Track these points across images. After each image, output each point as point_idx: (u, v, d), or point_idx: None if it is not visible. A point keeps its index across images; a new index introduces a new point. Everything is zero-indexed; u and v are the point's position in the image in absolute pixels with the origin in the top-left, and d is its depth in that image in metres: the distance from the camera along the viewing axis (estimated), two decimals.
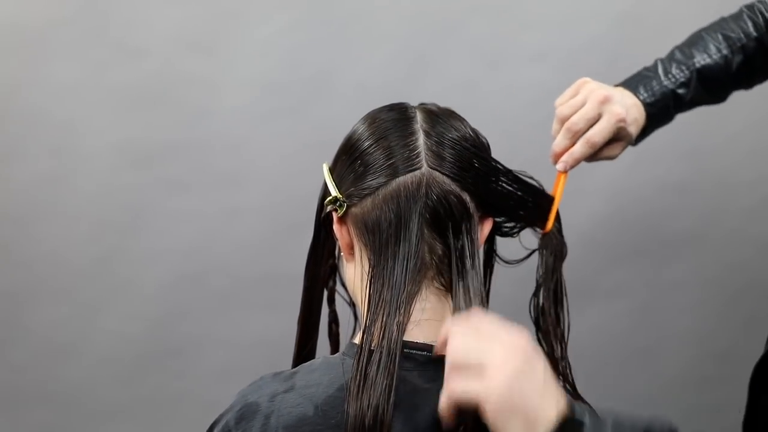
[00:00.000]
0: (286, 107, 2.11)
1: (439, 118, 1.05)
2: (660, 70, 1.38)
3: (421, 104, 1.09)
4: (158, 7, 2.04)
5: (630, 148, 2.17)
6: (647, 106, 1.33)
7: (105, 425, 2.26)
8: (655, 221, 2.23)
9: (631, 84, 1.36)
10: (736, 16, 1.45)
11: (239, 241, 2.18)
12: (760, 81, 1.45)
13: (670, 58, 1.41)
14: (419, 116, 1.04)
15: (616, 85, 1.37)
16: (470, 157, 1.02)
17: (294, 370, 1.01)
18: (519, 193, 1.09)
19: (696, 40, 1.43)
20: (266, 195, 2.17)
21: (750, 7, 1.46)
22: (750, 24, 1.42)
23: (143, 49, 2.06)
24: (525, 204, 1.10)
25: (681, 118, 2.17)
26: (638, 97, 1.33)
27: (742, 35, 1.41)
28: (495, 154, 1.09)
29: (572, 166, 1.22)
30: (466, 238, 1.00)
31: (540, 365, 0.85)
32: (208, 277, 2.20)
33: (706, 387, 2.25)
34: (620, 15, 2.12)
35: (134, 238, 2.17)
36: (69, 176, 2.12)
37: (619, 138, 1.27)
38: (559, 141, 1.22)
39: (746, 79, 1.44)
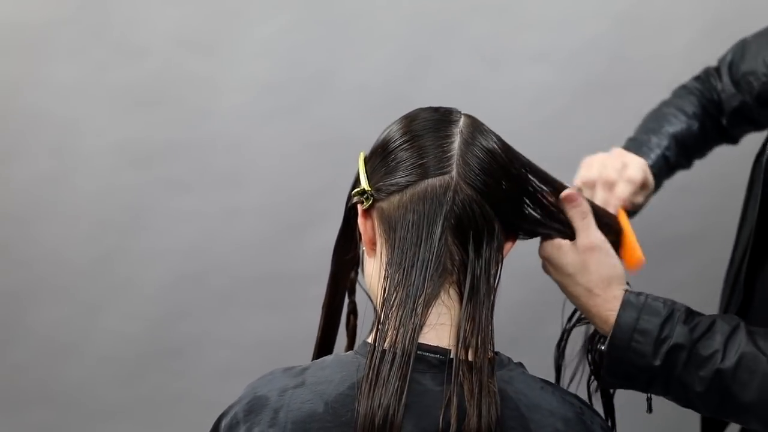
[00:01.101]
0: (286, 107, 2.11)
1: (482, 128, 1.04)
2: (643, 140, 1.50)
3: (466, 113, 1.07)
4: (158, 7, 2.04)
5: None
6: (650, 168, 1.43)
7: (105, 425, 2.26)
8: (655, 221, 2.23)
9: (630, 149, 1.47)
10: (677, 95, 1.62)
11: (239, 241, 2.18)
12: (712, 147, 1.63)
13: (644, 131, 1.54)
14: (462, 122, 1.03)
15: None
16: (500, 176, 1.01)
17: (305, 366, 1.01)
18: (541, 219, 1.09)
19: (656, 116, 1.57)
20: (266, 195, 2.17)
21: (683, 87, 1.63)
22: (692, 97, 1.59)
23: (143, 49, 2.06)
24: (548, 228, 1.10)
25: None
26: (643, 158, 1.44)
27: (690, 105, 1.57)
28: None
29: (622, 206, 1.30)
30: (486, 250, 0.99)
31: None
32: (208, 277, 2.20)
33: None
34: (620, 15, 2.12)
35: (134, 238, 2.17)
36: (69, 176, 2.12)
37: (644, 185, 1.37)
38: (600, 195, 1.30)
39: (704, 144, 1.59)
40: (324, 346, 1.19)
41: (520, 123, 2.13)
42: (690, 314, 1.08)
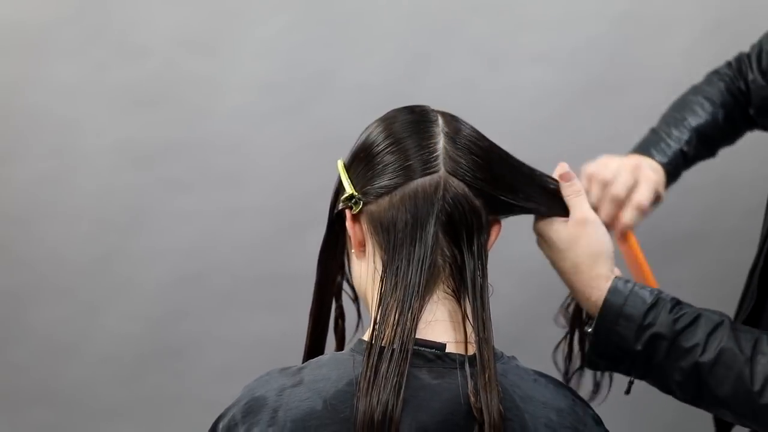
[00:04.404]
0: (286, 107, 2.11)
1: (460, 124, 1.06)
2: (663, 134, 1.48)
3: (440, 111, 1.09)
4: (159, 7, 2.05)
5: (631, 148, 2.16)
6: (664, 166, 1.42)
7: (105, 425, 2.26)
8: (655, 221, 2.23)
9: (643, 150, 1.45)
10: (707, 81, 1.58)
11: (239, 241, 2.18)
12: (740, 135, 1.59)
13: (666, 123, 1.51)
14: (441, 120, 1.05)
15: (630, 153, 1.45)
16: (488, 165, 1.04)
17: (301, 365, 1.02)
18: (536, 200, 1.11)
19: (681, 105, 1.54)
20: (266, 195, 2.17)
21: (716, 72, 1.60)
22: (722, 84, 1.56)
23: (144, 49, 2.06)
24: (539, 210, 1.12)
25: None
26: (655, 160, 1.42)
27: (718, 93, 1.54)
28: None
29: (625, 232, 1.29)
30: (476, 244, 1.01)
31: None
32: (208, 277, 2.20)
33: None
34: (620, 15, 2.12)
35: (134, 238, 2.17)
36: (69, 176, 2.12)
37: (654, 200, 1.36)
38: (607, 211, 1.28)
39: (731, 133, 1.56)
40: (314, 351, 1.19)
41: (520, 123, 2.13)
42: (676, 305, 1.11)
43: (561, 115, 2.14)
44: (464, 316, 1.00)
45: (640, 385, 1.18)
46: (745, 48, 1.60)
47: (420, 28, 2.10)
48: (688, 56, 2.12)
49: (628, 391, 1.18)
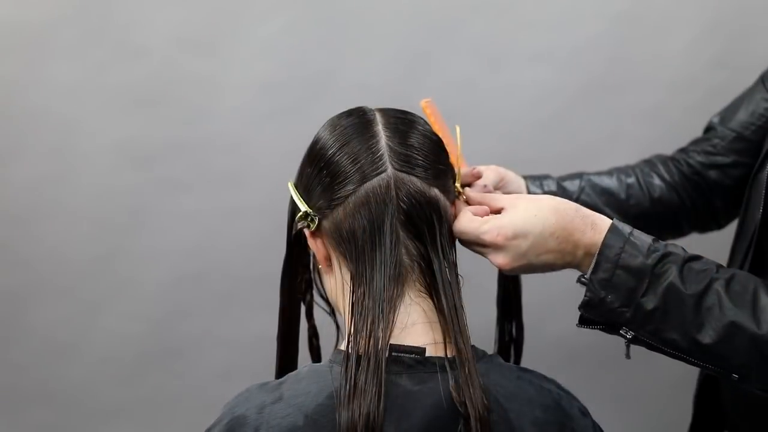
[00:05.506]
0: (286, 107, 2.11)
1: (399, 118, 1.05)
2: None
3: (378, 108, 1.08)
4: (159, 7, 2.04)
5: (631, 147, 2.17)
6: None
7: (105, 425, 2.26)
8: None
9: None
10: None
11: (239, 241, 2.18)
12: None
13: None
14: (379, 118, 1.04)
15: None
16: (433, 154, 1.03)
17: (281, 380, 1.00)
18: None
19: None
20: (266, 195, 2.16)
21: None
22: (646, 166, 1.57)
23: (144, 49, 2.06)
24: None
25: (680, 117, 2.18)
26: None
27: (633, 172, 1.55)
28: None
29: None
30: (440, 237, 1.00)
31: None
32: (208, 277, 2.20)
33: None
34: (620, 15, 2.12)
35: (134, 238, 2.17)
36: (69, 176, 2.12)
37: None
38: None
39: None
40: (286, 371, 1.18)
41: (520, 123, 2.13)
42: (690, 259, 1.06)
43: (561, 115, 2.14)
44: (439, 315, 0.98)
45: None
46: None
47: (420, 28, 2.10)
48: (688, 56, 2.13)
49: (627, 356, 1.08)
